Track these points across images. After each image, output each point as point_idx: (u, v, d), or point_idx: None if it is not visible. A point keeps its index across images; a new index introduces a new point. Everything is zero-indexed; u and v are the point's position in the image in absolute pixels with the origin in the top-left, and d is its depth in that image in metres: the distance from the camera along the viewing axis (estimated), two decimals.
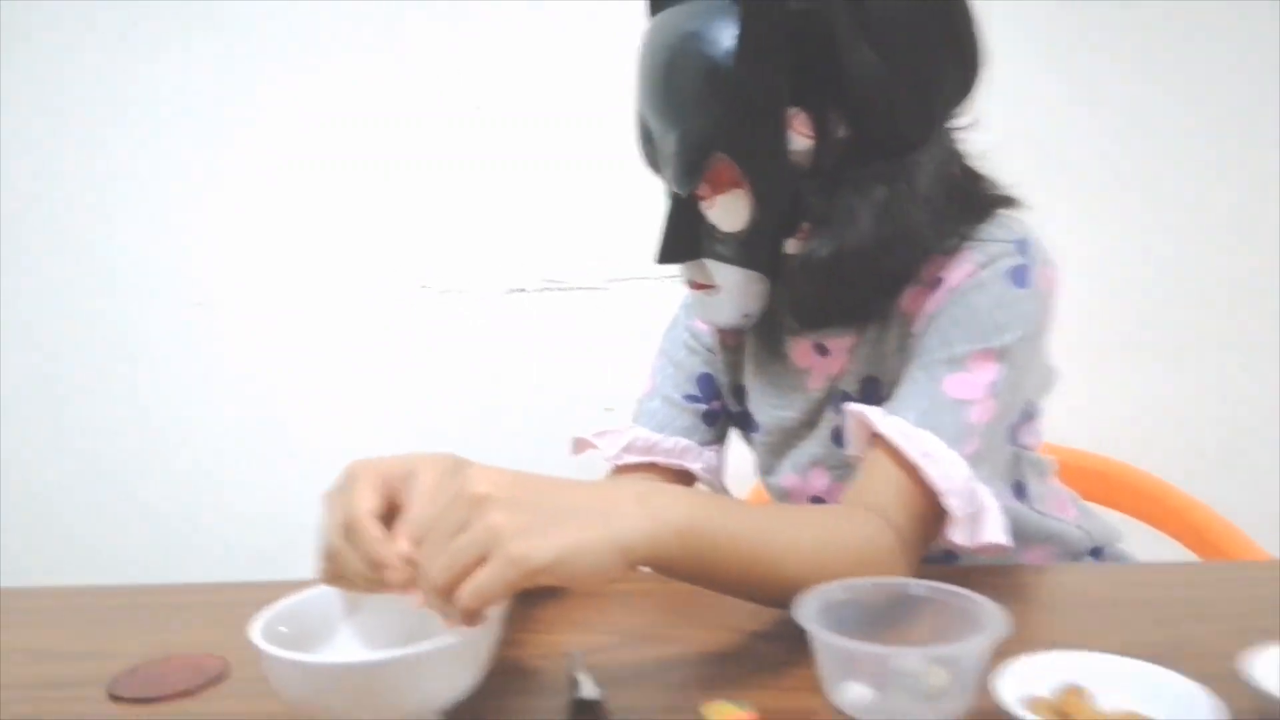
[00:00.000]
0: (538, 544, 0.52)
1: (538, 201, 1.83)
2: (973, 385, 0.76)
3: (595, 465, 0.97)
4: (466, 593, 0.51)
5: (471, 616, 0.52)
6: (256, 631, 0.55)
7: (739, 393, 1.00)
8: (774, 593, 0.63)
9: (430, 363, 1.92)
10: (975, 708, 0.55)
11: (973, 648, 0.56)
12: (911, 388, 0.79)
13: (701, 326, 1.01)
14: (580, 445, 0.98)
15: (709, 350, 1.01)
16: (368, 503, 0.57)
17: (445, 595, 0.52)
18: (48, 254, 1.94)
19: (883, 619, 0.62)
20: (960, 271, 0.81)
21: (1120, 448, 1.27)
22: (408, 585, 0.55)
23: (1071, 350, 1.80)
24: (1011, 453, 0.90)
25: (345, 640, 0.63)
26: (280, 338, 1.97)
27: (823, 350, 0.91)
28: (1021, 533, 0.91)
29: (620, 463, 0.96)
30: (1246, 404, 1.85)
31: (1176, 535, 1.14)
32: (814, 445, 0.93)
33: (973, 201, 0.85)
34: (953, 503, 0.71)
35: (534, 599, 0.78)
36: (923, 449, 0.73)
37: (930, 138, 0.81)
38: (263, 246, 1.94)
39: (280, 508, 1.78)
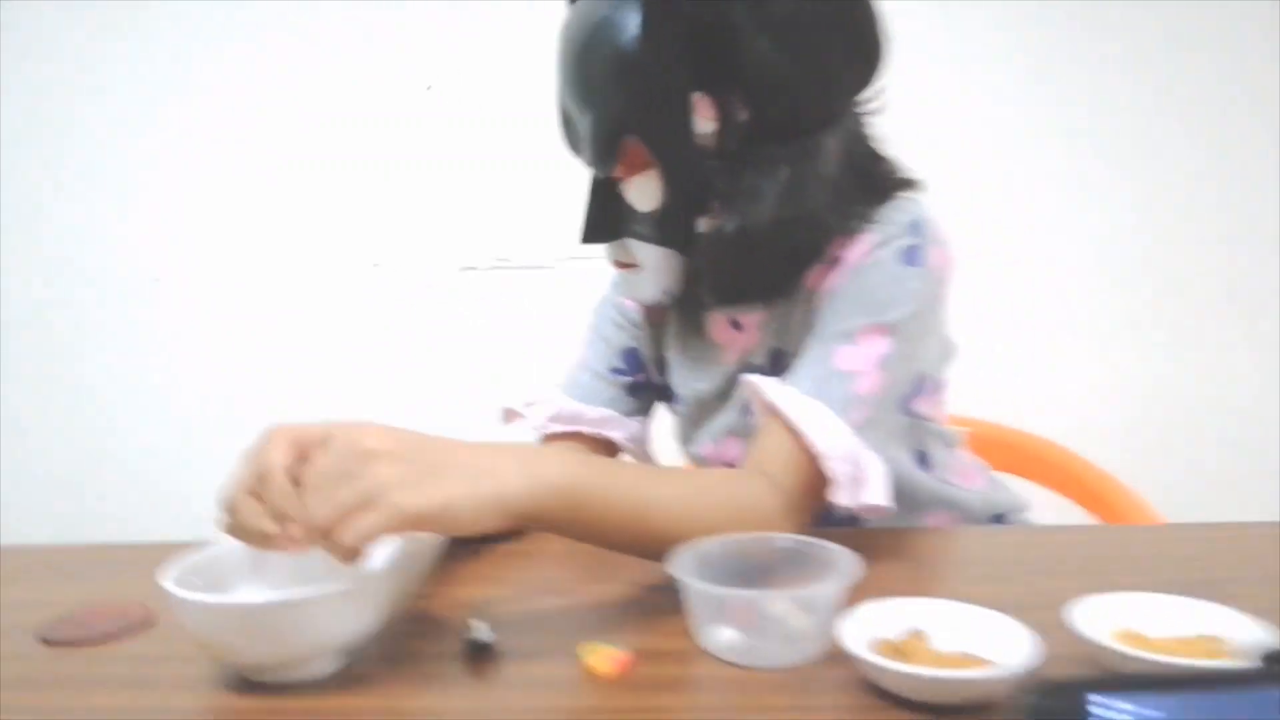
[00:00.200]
0: (417, 495, 0.57)
1: (488, 183, 1.86)
2: (862, 358, 0.81)
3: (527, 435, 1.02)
4: (346, 533, 0.56)
5: (349, 555, 0.57)
6: (168, 577, 0.60)
7: (662, 365, 1.05)
8: (654, 548, 0.68)
9: (382, 339, 1.97)
10: (831, 649, 0.60)
11: (829, 590, 0.62)
12: (806, 359, 0.84)
13: (629, 303, 1.06)
14: (509, 415, 1.02)
15: (635, 325, 1.06)
16: (280, 459, 0.60)
17: (325, 534, 0.57)
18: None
19: (751, 570, 0.67)
20: (857, 250, 0.86)
21: (1038, 423, 1.33)
22: (305, 541, 0.59)
23: (999, 331, 1.88)
24: (912, 423, 0.95)
25: (254, 587, 0.67)
26: (234, 315, 2.01)
27: (736, 325, 0.96)
28: (922, 499, 0.97)
29: (547, 432, 1.00)
30: (1163, 384, 1.94)
31: (1085, 504, 1.20)
32: (728, 415, 0.98)
33: (874, 182, 0.90)
34: (833, 466, 0.76)
35: (451, 556, 0.84)
36: (807, 416, 0.78)
37: (831, 123, 0.86)
38: (216, 225, 1.98)
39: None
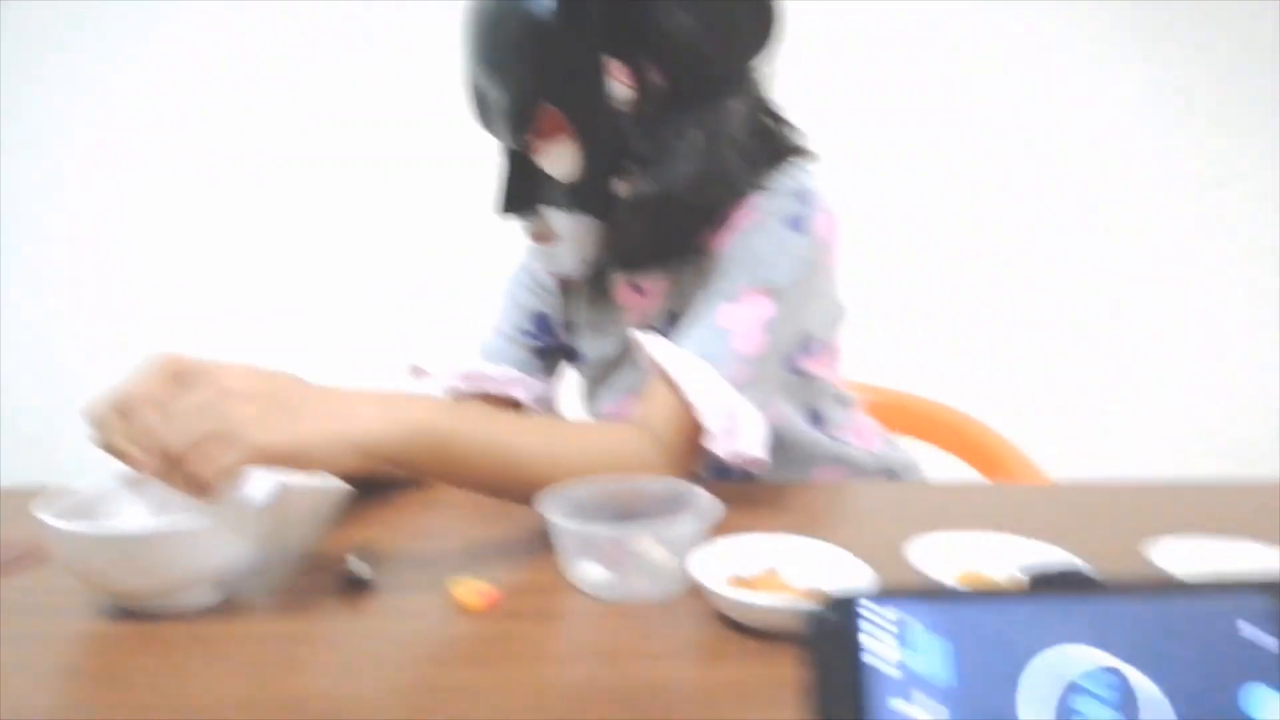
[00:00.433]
0: (271, 432, 0.60)
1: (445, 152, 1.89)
2: (744, 317, 0.85)
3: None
4: (197, 464, 0.58)
5: (200, 488, 0.59)
6: (43, 508, 0.62)
7: (571, 328, 1.08)
8: (526, 492, 0.71)
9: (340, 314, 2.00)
10: (692, 584, 0.63)
11: (688, 528, 0.65)
12: (693, 318, 0.87)
13: (540, 268, 1.09)
14: (418, 373, 1.05)
15: (547, 291, 1.09)
16: (152, 388, 0.62)
17: (174, 463, 0.59)
18: None
19: (619, 512, 0.70)
20: (745, 215, 0.89)
21: (938, 389, 1.39)
22: (161, 468, 0.60)
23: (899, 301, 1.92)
24: (803, 382, 0.99)
25: (136, 520, 0.69)
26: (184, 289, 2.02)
27: (638, 289, 0.99)
28: (814, 455, 1.01)
29: (455, 390, 1.03)
30: (1053, 352, 2.02)
31: (982, 468, 1.25)
32: (629, 375, 1.01)
33: (777, 144, 0.93)
34: (707, 418, 0.79)
35: (346, 501, 0.87)
36: (686, 371, 0.81)
37: (737, 85, 0.89)
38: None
39: None
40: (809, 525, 0.79)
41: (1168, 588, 0.40)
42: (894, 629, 0.38)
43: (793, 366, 0.95)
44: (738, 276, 0.86)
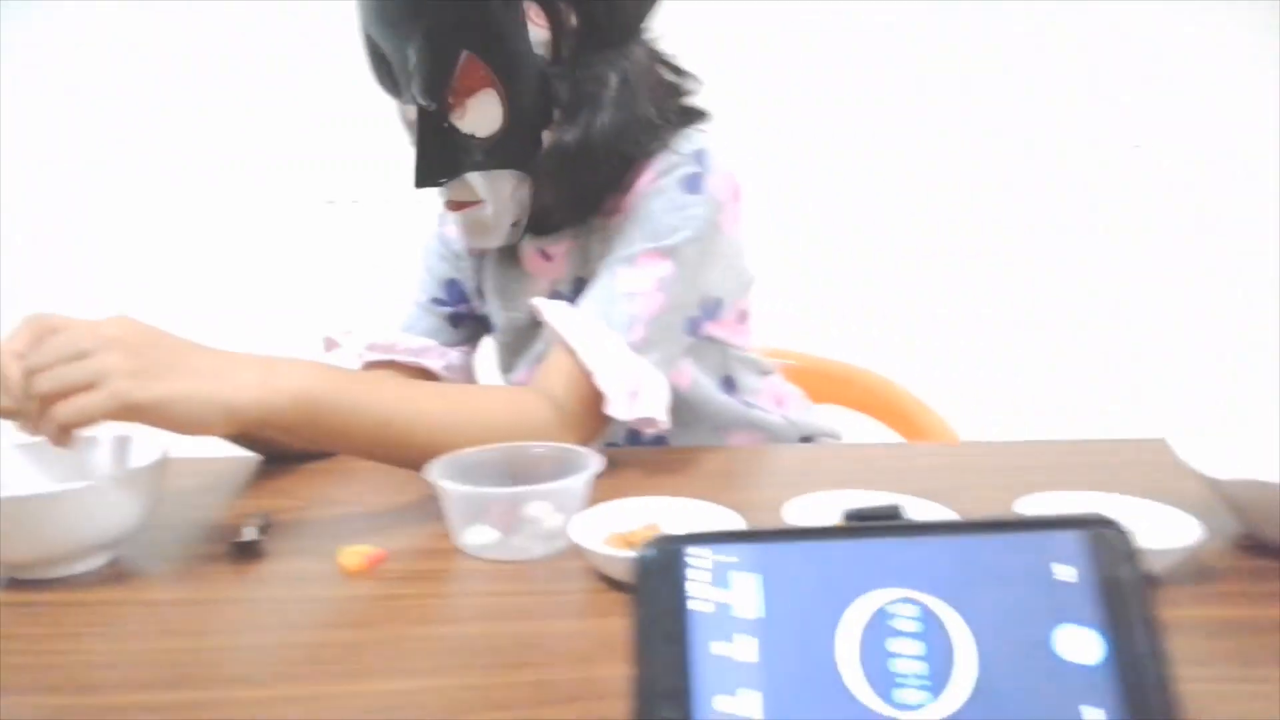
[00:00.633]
0: (138, 386, 0.60)
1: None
2: (641, 280, 0.86)
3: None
4: (62, 409, 0.59)
5: (61, 434, 0.60)
6: None
7: (484, 296, 1.09)
8: (412, 457, 0.72)
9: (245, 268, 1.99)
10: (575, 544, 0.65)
11: (571, 485, 0.67)
12: (595, 283, 0.88)
13: (451, 234, 1.09)
14: (329, 344, 1.05)
15: (457, 257, 1.09)
16: (17, 344, 0.63)
17: (41, 408, 0.59)
18: None
19: (507, 475, 0.71)
20: (644, 180, 0.90)
21: (860, 355, 1.41)
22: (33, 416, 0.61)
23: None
24: (714, 348, 1.01)
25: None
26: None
27: (546, 256, 1.00)
28: (726, 420, 1.03)
29: (365, 360, 1.03)
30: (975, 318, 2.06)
31: (901, 431, 1.28)
32: (542, 344, 1.02)
33: (679, 95, 0.95)
34: (604, 382, 0.81)
35: (250, 472, 0.87)
36: (584, 336, 0.82)
37: (641, 29, 0.90)
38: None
39: None
40: (700, 487, 0.80)
41: (985, 527, 0.42)
42: (714, 570, 0.40)
43: (699, 332, 0.96)
44: (636, 240, 0.87)
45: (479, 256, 1.07)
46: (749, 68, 1.97)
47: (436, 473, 0.67)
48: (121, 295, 2.01)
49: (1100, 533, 0.41)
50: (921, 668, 0.37)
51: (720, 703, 0.37)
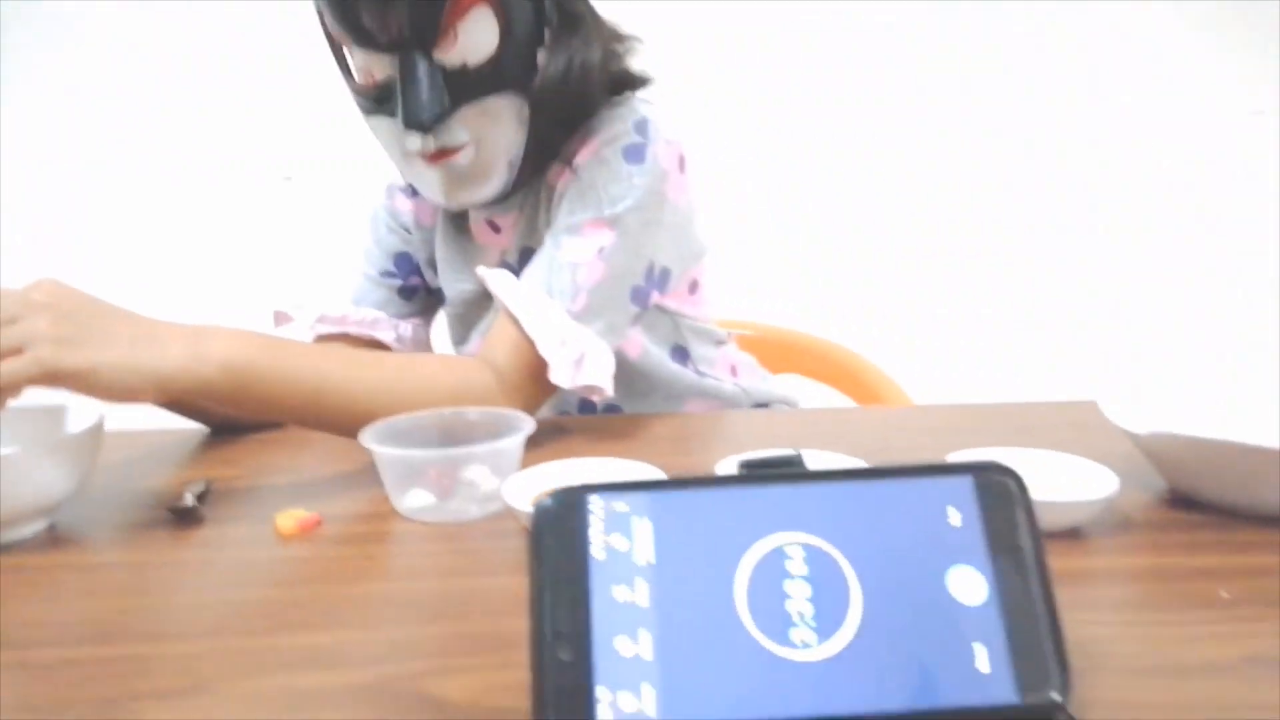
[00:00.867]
0: (65, 352, 0.60)
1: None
2: (584, 249, 0.86)
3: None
4: None
5: None
6: None
7: (434, 268, 1.09)
8: (351, 425, 0.72)
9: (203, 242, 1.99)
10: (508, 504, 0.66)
11: (505, 446, 0.67)
12: (539, 254, 0.89)
13: (400, 206, 1.09)
14: (279, 318, 1.05)
15: (406, 229, 1.09)
16: None
17: None
18: None
19: (441, 439, 0.72)
20: (586, 150, 0.90)
21: (817, 324, 1.42)
22: None
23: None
24: (665, 318, 1.01)
25: None
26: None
27: (494, 227, 1.00)
28: (679, 389, 1.04)
29: (316, 333, 1.03)
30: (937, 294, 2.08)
31: (856, 396, 1.29)
32: (494, 315, 1.02)
33: (625, 47, 0.96)
34: (546, 350, 0.81)
35: (193, 443, 0.88)
36: (526, 304, 0.83)
37: None
38: None
39: None
40: (644, 451, 0.81)
41: (880, 474, 0.43)
42: (612, 518, 0.40)
43: (648, 302, 0.95)
44: (579, 210, 0.88)
45: (429, 227, 1.08)
46: (748, 66, 1.96)
47: (370, 438, 0.68)
48: (81, 269, 2.00)
49: (991, 478, 0.42)
50: (812, 610, 0.38)
51: (621, 644, 0.38)
